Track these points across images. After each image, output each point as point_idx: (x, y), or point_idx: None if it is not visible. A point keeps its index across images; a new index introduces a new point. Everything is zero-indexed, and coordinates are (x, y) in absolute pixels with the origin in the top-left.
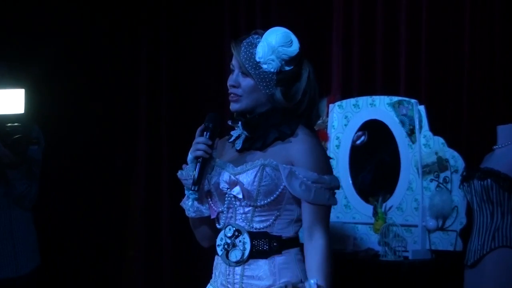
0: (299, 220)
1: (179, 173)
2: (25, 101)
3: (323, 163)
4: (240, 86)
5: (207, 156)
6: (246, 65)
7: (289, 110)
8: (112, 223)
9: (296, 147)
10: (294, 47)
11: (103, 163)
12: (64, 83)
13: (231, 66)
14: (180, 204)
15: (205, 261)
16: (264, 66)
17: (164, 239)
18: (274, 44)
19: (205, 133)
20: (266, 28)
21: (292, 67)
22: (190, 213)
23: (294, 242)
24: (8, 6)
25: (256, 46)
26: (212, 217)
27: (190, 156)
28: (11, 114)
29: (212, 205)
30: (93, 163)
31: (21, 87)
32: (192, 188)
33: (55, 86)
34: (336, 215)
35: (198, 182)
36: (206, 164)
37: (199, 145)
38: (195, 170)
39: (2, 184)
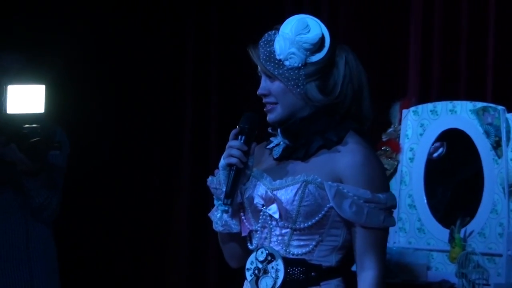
0: (343, 248)
1: (209, 180)
2: (45, 98)
3: (378, 179)
4: (271, 93)
5: (241, 165)
6: (268, 67)
7: (332, 109)
8: (148, 246)
9: (346, 159)
10: (315, 32)
11: (136, 174)
12: (92, 79)
13: (258, 73)
14: (208, 215)
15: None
16: (287, 63)
17: (209, 261)
18: (290, 35)
19: (240, 136)
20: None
21: (321, 56)
22: (217, 227)
23: (335, 272)
24: None
25: (273, 43)
26: (244, 234)
27: (222, 162)
28: (30, 113)
29: (244, 221)
30: (124, 173)
31: (42, 83)
32: (225, 202)
33: (81, 82)
34: (408, 240)
35: (231, 195)
36: (240, 173)
37: (233, 150)
38: (229, 180)
39: (19, 194)
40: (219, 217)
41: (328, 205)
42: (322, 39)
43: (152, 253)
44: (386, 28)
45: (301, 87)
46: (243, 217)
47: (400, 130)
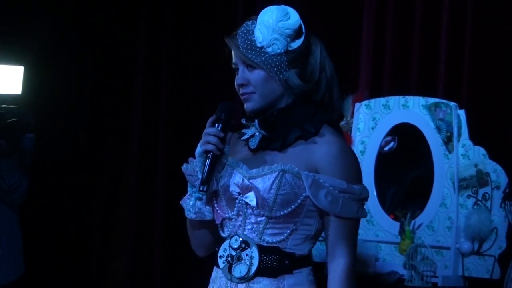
0: (315, 237)
1: (183, 167)
2: (23, 80)
3: (353, 170)
4: (250, 82)
5: (218, 152)
6: (249, 55)
7: (309, 97)
8: (100, 224)
9: (323, 150)
10: (294, 18)
11: (92, 158)
12: (68, 63)
13: (233, 66)
14: (180, 202)
15: (200, 270)
16: (269, 49)
17: (154, 242)
18: (271, 22)
19: (216, 124)
20: None
21: (300, 42)
22: (190, 214)
23: (307, 261)
24: None
25: (253, 32)
26: (217, 222)
27: (199, 149)
28: (7, 94)
29: (217, 208)
30: (82, 158)
31: (21, 64)
32: (201, 188)
33: (58, 66)
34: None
35: (207, 181)
36: (216, 160)
37: (209, 137)
38: (205, 167)
39: None
40: (192, 205)
41: (304, 194)
42: (301, 26)
43: (101, 230)
44: (339, 20)
45: (284, 73)
46: (216, 205)
47: (352, 123)
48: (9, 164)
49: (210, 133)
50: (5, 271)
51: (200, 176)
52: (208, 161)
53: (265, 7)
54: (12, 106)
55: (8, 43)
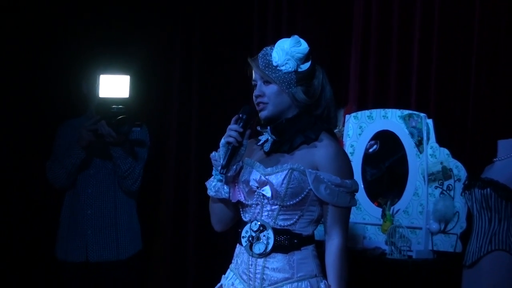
0: (318, 221)
1: (212, 154)
2: (130, 86)
3: (346, 168)
4: (265, 94)
5: (237, 144)
6: (266, 72)
7: (311, 110)
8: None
9: (321, 152)
10: (304, 46)
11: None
12: (162, 71)
13: (253, 82)
14: (205, 183)
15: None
16: (283, 68)
17: (190, 224)
18: (286, 47)
19: (239, 122)
20: None
21: (307, 65)
22: (211, 192)
23: (311, 240)
24: None
25: (271, 55)
26: (233, 201)
27: (222, 141)
28: (117, 97)
29: (236, 191)
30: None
31: (127, 74)
32: (221, 171)
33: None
34: None
35: (226, 166)
36: (235, 151)
37: (231, 132)
38: (226, 155)
39: (108, 166)
40: (214, 185)
41: (308, 188)
42: (309, 53)
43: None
44: (332, 49)
45: (293, 87)
46: (234, 188)
47: (343, 130)
48: (122, 152)
49: (232, 128)
50: (126, 247)
51: (221, 162)
52: (228, 150)
53: (273, 36)
54: (121, 106)
55: (116, 57)
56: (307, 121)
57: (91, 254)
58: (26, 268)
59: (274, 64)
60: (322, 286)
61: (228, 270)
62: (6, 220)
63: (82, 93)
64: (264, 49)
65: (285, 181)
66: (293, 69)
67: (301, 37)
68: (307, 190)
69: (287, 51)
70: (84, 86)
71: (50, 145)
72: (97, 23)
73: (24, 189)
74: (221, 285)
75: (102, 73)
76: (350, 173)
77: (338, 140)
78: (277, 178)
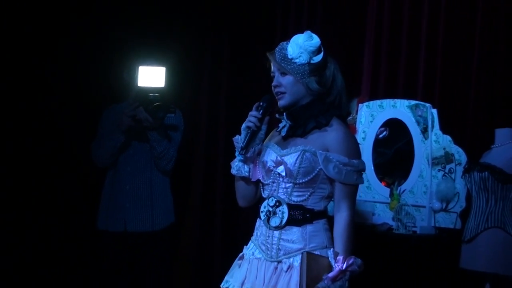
0: (329, 197)
1: (235, 138)
2: (165, 77)
3: (353, 149)
4: (282, 84)
5: (256, 128)
6: (283, 64)
7: (323, 97)
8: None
9: (331, 135)
10: (316, 40)
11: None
12: (193, 64)
13: (271, 74)
14: (230, 163)
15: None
16: (297, 60)
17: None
18: (299, 41)
19: (259, 109)
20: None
21: (319, 58)
22: (233, 171)
23: (323, 215)
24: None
25: (286, 49)
26: (253, 180)
27: (243, 125)
28: (154, 87)
29: (257, 171)
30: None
31: (163, 66)
32: (240, 152)
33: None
34: (359, 194)
35: (245, 147)
36: (254, 134)
37: (252, 117)
38: (246, 138)
39: (145, 147)
40: (236, 164)
41: (318, 167)
42: (320, 47)
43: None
44: (347, 47)
45: (306, 78)
46: (254, 168)
47: (356, 118)
48: (157, 136)
49: (252, 114)
50: (160, 220)
51: (241, 144)
52: (248, 134)
53: (292, 30)
54: (157, 94)
55: (154, 50)
56: (319, 107)
57: (129, 225)
58: (71, 237)
59: (289, 57)
60: (330, 253)
61: (250, 242)
62: (57, 195)
63: (123, 82)
64: (280, 44)
65: (297, 161)
66: (306, 61)
67: (320, 39)
68: (317, 169)
69: (300, 45)
70: (125, 75)
71: (95, 128)
72: (138, 19)
73: (72, 167)
74: (243, 254)
75: (141, 65)
76: (357, 154)
77: (347, 125)
78: (291, 158)
